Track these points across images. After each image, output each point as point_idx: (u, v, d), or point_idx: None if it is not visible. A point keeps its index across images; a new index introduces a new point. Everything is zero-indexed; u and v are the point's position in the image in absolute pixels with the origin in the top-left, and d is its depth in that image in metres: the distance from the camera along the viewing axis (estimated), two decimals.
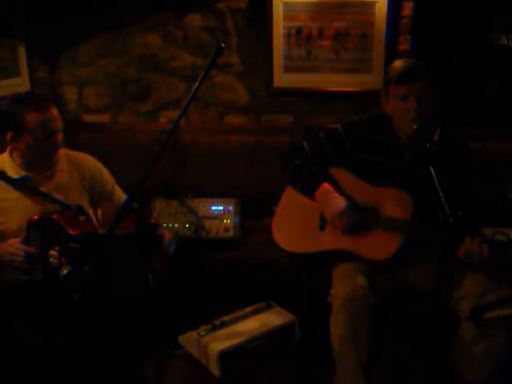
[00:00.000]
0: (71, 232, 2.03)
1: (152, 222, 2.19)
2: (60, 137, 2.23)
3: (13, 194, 2.22)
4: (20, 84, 3.12)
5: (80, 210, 2.21)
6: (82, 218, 2.17)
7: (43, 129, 2.15)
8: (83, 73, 3.43)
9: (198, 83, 1.75)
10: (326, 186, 2.27)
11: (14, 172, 2.23)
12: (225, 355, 2.25)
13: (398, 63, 2.23)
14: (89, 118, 3.47)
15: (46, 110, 2.17)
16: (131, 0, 3.22)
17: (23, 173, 2.24)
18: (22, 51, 3.12)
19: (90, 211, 2.35)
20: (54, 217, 2.09)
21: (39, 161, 2.25)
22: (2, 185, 2.21)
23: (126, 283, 2.08)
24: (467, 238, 1.98)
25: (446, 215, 1.79)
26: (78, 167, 2.40)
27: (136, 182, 1.73)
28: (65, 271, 1.97)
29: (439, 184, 1.87)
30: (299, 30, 3.14)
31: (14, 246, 2.10)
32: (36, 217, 2.10)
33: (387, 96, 2.25)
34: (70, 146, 3.04)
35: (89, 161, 2.47)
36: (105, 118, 3.49)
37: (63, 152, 2.37)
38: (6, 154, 2.27)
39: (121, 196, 2.51)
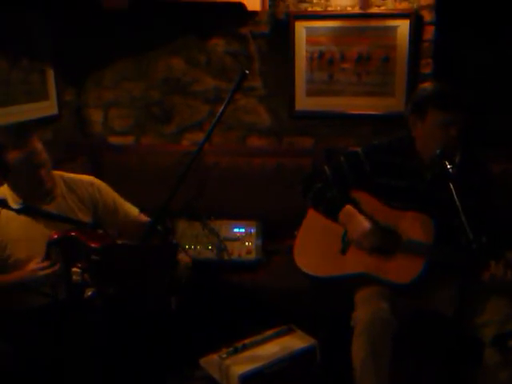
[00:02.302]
0: (92, 245, 2.04)
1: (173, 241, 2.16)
2: (44, 171, 2.20)
3: (19, 224, 2.20)
4: (48, 107, 3.19)
5: (95, 225, 2.24)
6: (99, 232, 2.21)
7: (25, 166, 2.13)
8: (109, 95, 3.50)
9: (222, 108, 1.79)
10: (349, 207, 2.28)
11: (14, 202, 2.19)
12: (246, 378, 2.23)
13: (435, 87, 2.23)
14: (114, 139, 3.53)
15: (26, 146, 2.13)
16: (156, 25, 3.30)
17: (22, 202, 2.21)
18: (50, 75, 3.20)
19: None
20: (73, 234, 2.11)
21: (32, 192, 2.23)
22: (6, 217, 2.17)
23: (147, 302, 2.09)
24: (492, 263, 1.96)
25: (469, 240, 1.77)
26: (75, 189, 2.38)
27: (160, 205, 1.76)
28: (89, 292, 1.99)
29: (461, 207, 1.86)
30: (321, 54, 3.17)
31: (35, 266, 2.10)
32: (56, 236, 2.10)
33: (422, 119, 2.22)
34: (95, 167, 3.13)
35: (85, 181, 2.44)
36: (129, 139, 3.54)
37: (59, 176, 2.37)
38: (5, 186, 2.26)
39: (128, 209, 2.49)
